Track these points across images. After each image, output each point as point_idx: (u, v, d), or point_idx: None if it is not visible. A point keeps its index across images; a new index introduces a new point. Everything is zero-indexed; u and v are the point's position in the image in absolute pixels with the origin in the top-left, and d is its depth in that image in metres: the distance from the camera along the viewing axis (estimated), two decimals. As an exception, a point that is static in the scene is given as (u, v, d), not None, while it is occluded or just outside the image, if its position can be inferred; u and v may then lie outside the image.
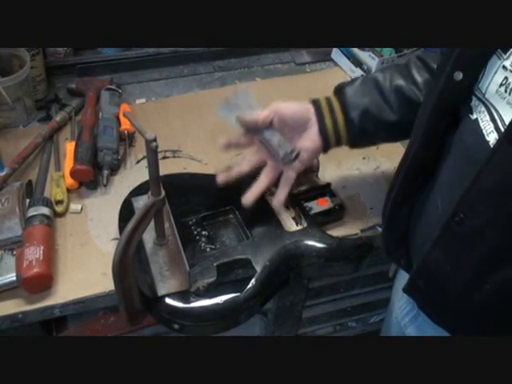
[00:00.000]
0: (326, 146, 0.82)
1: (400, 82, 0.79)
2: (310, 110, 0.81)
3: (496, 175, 0.55)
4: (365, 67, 1.20)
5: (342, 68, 1.28)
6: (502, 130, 0.56)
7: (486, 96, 0.60)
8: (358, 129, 0.80)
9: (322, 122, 0.80)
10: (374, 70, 1.17)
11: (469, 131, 0.62)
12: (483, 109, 0.60)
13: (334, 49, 1.29)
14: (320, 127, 0.80)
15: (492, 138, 0.57)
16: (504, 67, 0.57)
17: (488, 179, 0.56)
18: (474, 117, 0.61)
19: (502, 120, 0.57)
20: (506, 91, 0.56)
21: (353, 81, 0.83)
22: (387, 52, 1.19)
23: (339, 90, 0.83)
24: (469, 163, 0.59)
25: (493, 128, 0.58)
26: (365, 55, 1.19)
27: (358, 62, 1.22)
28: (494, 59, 0.58)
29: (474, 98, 0.62)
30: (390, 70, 0.82)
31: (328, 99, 0.82)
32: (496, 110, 0.58)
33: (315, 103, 0.82)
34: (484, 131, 0.59)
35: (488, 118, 0.59)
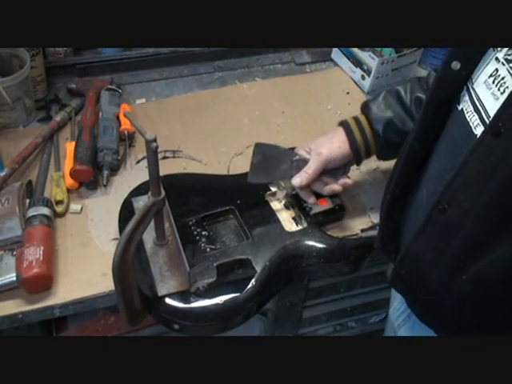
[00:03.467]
0: (358, 159, 0.88)
1: (420, 93, 0.84)
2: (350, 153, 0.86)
3: (478, 165, 0.56)
4: (365, 67, 1.20)
5: (341, 68, 1.28)
6: (488, 122, 0.57)
7: (474, 85, 0.60)
8: (383, 140, 0.85)
9: (352, 135, 0.86)
10: (374, 70, 1.17)
11: (456, 124, 0.63)
12: (467, 98, 0.61)
13: (334, 49, 1.29)
14: (350, 141, 0.85)
15: (479, 131, 0.58)
16: (497, 59, 0.58)
17: (471, 168, 0.57)
18: (459, 107, 0.62)
19: (485, 111, 0.58)
20: (493, 82, 0.57)
21: (376, 96, 0.88)
22: (387, 52, 1.19)
23: (364, 107, 0.88)
24: (456, 155, 0.60)
25: (479, 121, 0.58)
26: (365, 55, 1.19)
27: (357, 62, 1.22)
28: (489, 50, 0.59)
29: (464, 88, 0.62)
30: (410, 82, 0.87)
31: (355, 117, 0.88)
32: (479, 100, 0.59)
33: (342, 122, 0.88)
34: (471, 124, 0.60)
35: (472, 108, 0.60)
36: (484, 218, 0.57)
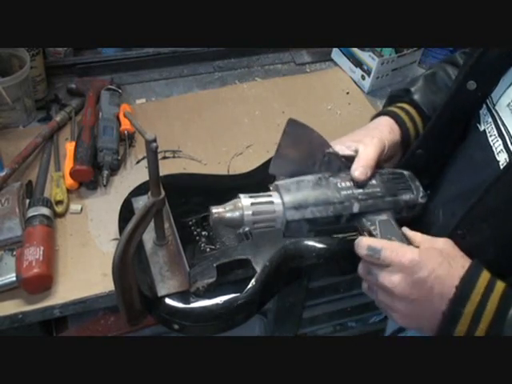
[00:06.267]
0: (405, 149, 0.75)
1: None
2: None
3: (502, 195, 0.55)
4: (365, 67, 1.20)
5: (341, 68, 1.28)
6: None
7: (496, 107, 0.59)
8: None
9: (401, 120, 0.74)
10: (374, 70, 1.17)
11: (477, 146, 0.61)
12: (490, 120, 0.59)
13: (334, 49, 1.29)
14: (400, 127, 0.74)
15: (502, 158, 0.57)
16: None
17: (494, 198, 0.55)
18: (481, 128, 0.61)
19: (510, 137, 0.56)
20: None
21: (414, 81, 0.79)
22: (387, 52, 1.19)
23: (407, 92, 0.78)
24: (476, 179, 0.59)
25: (502, 147, 0.57)
26: (365, 55, 1.19)
27: (357, 62, 1.22)
28: (510, 71, 0.57)
29: (484, 106, 0.61)
30: (446, 64, 0.78)
31: (402, 107, 0.77)
32: (504, 125, 0.57)
33: (383, 113, 0.77)
34: (494, 148, 0.58)
35: (496, 132, 0.58)
36: (507, 246, 0.56)
